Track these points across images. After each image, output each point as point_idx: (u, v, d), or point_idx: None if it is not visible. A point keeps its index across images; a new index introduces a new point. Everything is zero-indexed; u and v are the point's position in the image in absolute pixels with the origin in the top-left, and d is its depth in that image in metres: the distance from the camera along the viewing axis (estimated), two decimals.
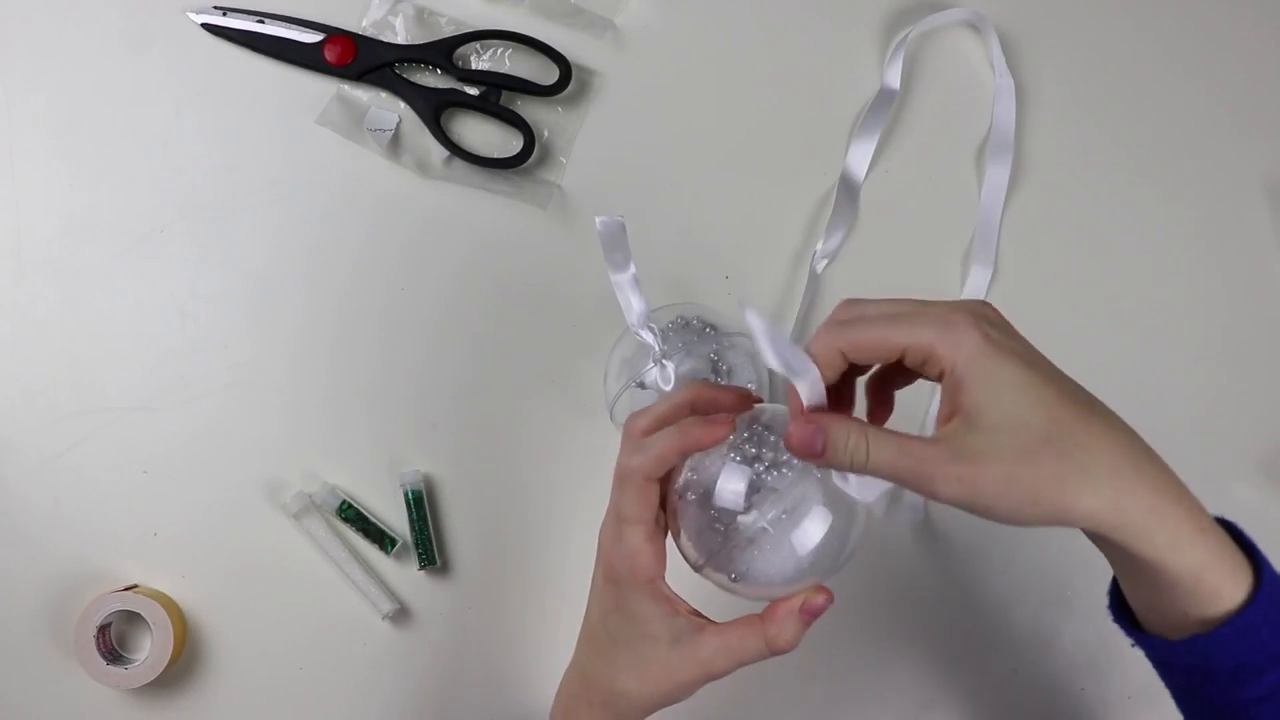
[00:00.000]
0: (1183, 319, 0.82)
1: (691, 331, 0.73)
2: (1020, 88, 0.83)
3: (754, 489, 0.57)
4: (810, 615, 0.58)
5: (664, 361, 0.70)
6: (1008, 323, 0.53)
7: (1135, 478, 0.50)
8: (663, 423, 0.59)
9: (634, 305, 0.70)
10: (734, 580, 0.59)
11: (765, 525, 0.57)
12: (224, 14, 0.82)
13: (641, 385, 0.72)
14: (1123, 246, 0.83)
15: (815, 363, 0.53)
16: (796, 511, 0.57)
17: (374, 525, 0.79)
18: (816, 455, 0.52)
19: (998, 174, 0.82)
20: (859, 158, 0.82)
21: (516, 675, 0.79)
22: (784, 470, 0.57)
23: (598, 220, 0.68)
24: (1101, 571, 0.80)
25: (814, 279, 0.81)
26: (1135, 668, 0.80)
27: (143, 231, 0.81)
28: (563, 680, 0.66)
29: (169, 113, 0.82)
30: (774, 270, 0.82)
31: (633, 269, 0.69)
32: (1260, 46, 0.84)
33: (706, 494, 0.58)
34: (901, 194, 0.83)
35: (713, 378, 0.73)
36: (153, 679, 0.76)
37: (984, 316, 0.52)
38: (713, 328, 0.74)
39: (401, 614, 0.79)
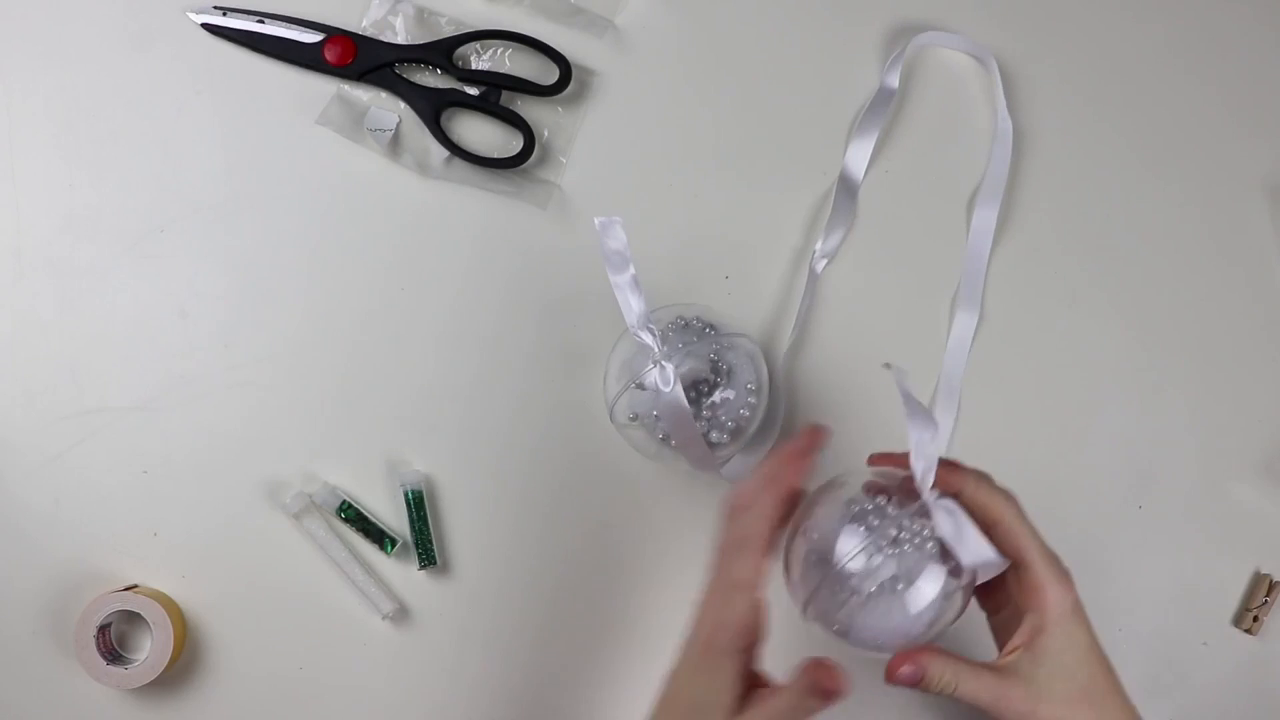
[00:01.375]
0: (1183, 319, 0.82)
1: (691, 331, 0.73)
2: (1019, 89, 0.83)
3: (871, 552, 0.63)
4: (826, 696, 0.61)
5: (663, 363, 0.70)
6: None
7: None
8: (758, 492, 0.65)
9: (633, 306, 0.70)
10: (838, 632, 0.65)
11: (878, 588, 0.63)
12: (224, 14, 0.82)
13: (641, 387, 0.72)
14: (1123, 245, 0.83)
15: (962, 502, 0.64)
16: (909, 577, 0.63)
17: (374, 525, 0.79)
18: (914, 686, 0.64)
19: (999, 161, 0.82)
20: (858, 157, 0.82)
21: (516, 676, 0.79)
22: (902, 537, 0.63)
23: (597, 221, 0.68)
24: (1102, 571, 0.80)
25: (813, 278, 0.81)
26: (1135, 668, 0.80)
27: (143, 231, 0.81)
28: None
29: (169, 113, 0.82)
30: (774, 270, 0.82)
31: (632, 270, 0.69)
32: (1260, 47, 0.84)
33: (825, 553, 0.64)
34: (901, 193, 0.83)
35: (712, 378, 0.73)
36: (153, 679, 0.76)
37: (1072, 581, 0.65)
38: (713, 328, 0.74)
39: (401, 614, 0.79)
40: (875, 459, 0.69)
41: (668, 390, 0.70)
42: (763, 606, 0.62)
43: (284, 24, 0.82)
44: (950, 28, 0.84)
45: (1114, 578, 0.80)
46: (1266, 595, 0.80)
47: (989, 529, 0.64)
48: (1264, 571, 0.80)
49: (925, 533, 0.63)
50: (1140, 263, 0.83)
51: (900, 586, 0.63)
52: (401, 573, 0.80)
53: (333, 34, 0.82)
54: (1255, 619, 0.80)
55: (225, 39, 0.82)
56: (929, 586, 0.63)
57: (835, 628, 0.65)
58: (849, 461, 0.72)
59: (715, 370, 0.73)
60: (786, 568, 0.67)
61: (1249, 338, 0.82)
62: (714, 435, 0.73)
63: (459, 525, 0.80)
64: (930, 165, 0.83)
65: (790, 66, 0.83)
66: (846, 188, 0.82)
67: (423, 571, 0.79)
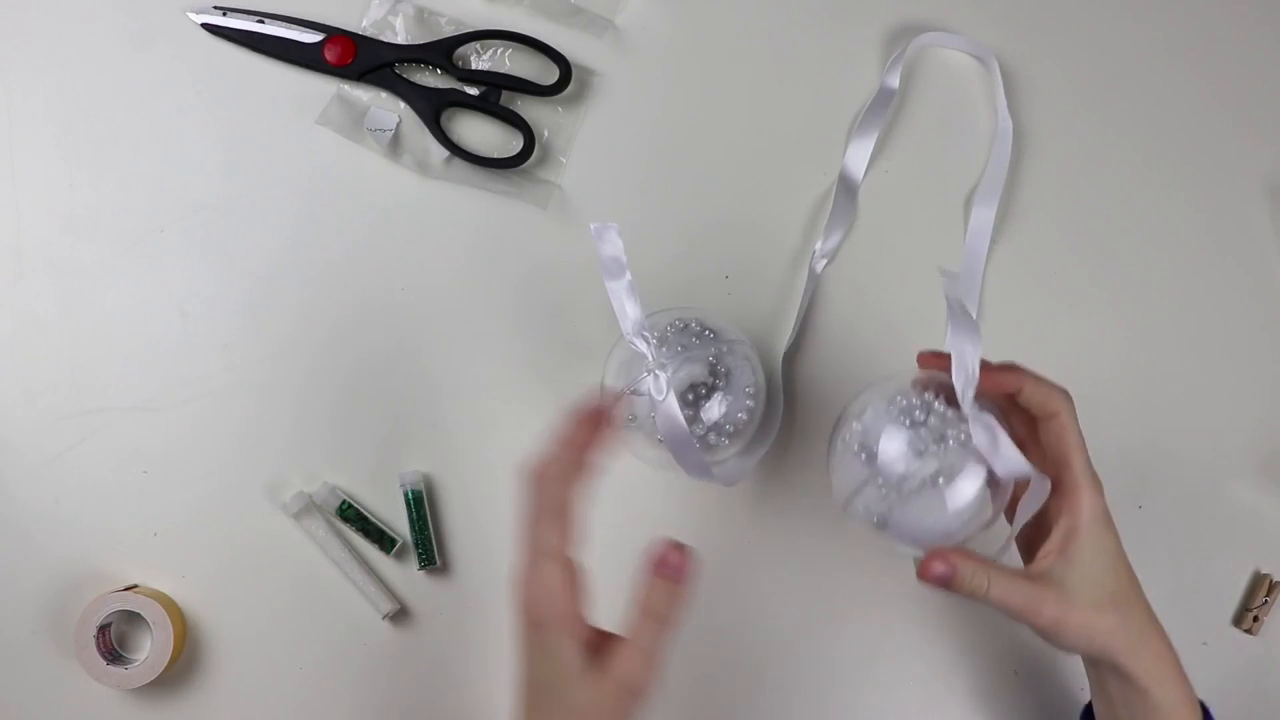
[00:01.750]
0: (1183, 319, 0.82)
1: (690, 335, 0.73)
2: (1020, 89, 0.83)
3: (915, 450, 0.64)
4: (670, 572, 0.62)
5: (657, 372, 0.70)
6: None
7: (1157, 639, 0.66)
8: (554, 457, 0.63)
9: (629, 312, 0.69)
10: (877, 524, 0.66)
11: (919, 484, 0.64)
12: (224, 14, 0.82)
13: (636, 393, 0.72)
14: (1123, 245, 0.83)
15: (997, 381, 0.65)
16: (950, 475, 0.64)
17: (374, 525, 0.79)
18: (946, 586, 0.64)
19: (999, 159, 0.82)
20: (858, 157, 0.82)
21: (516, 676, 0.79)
22: (947, 433, 0.64)
23: (592, 227, 0.67)
24: None
25: (813, 278, 0.81)
26: None
27: (143, 231, 0.81)
28: None
29: (169, 113, 0.82)
30: (774, 270, 0.82)
31: (628, 276, 0.69)
32: (1260, 47, 0.84)
33: (869, 447, 0.65)
34: (901, 193, 0.83)
35: (711, 381, 0.73)
36: (153, 679, 0.76)
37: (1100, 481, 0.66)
38: (712, 332, 0.74)
39: (401, 614, 0.79)
40: (924, 358, 0.68)
41: (661, 399, 0.70)
42: (575, 570, 0.60)
43: (284, 24, 0.82)
44: (951, 28, 0.84)
45: None
46: (1266, 595, 0.80)
47: (1046, 421, 0.65)
48: (1264, 571, 0.80)
49: (967, 434, 0.64)
50: (1140, 262, 0.83)
51: (941, 482, 0.64)
52: (401, 573, 0.80)
53: (333, 34, 0.82)
54: (1255, 619, 0.80)
55: (225, 39, 0.82)
56: (969, 485, 0.64)
57: (875, 520, 0.66)
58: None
59: (714, 373, 0.73)
60: (830, 457, 0.68)
61: (1249, 338, 0.82)
62: (712, 438, 0.73)
63: (459, 525, 0.80)
64: (930, 165, 0.83)
65: (790, 66, 0.83)
66: (846, 187, 0.82)
67: (423, 571, 0.79)
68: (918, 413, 0.65)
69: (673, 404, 0.70)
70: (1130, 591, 0.66)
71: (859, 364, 0.81)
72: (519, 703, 0.62)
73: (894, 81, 0.82)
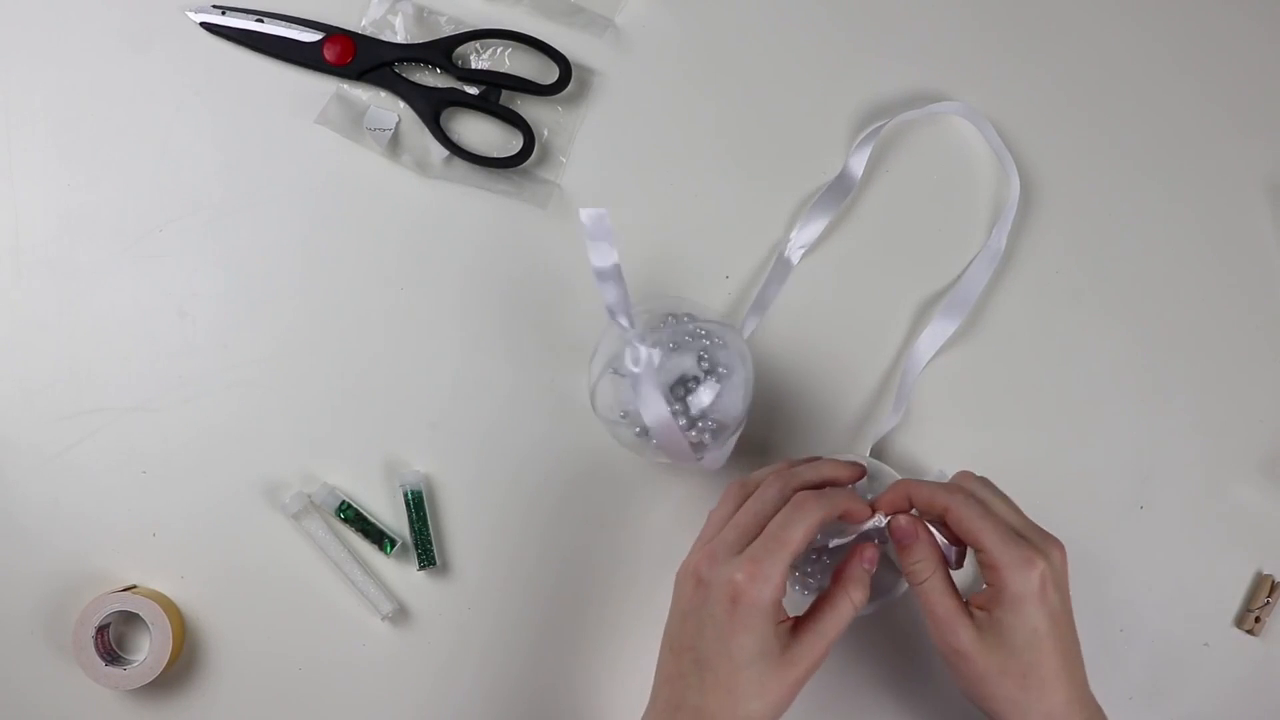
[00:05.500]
0: (1184, 319, 0.82)
1: (682, 329, 0.73)
2: (1021, 89, 0.83)
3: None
4: (871, 564, 0.69)
5: (635, 342, 0.70)
6: (1064, 571, 0.67)
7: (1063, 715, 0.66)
8: (815, 483, 0.70)
9: (613, 293, 0.69)
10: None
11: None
12: (223, 13, 0.82)
13: (618, 372, 0.72)
14: (1124, 245, 0.82)
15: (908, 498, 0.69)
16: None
17: (373, 525, 0.79)
18: (904, 541, 0.68)
19: (977, 272, 0.82)
20: (859, 157, 0.81)
21: (516, 676, 0.79)
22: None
23: (582, 211, 0.67)
24: (1104, 572, 0.80)
25: (783, 264, 0.80)
26: (1136, 669, 0.80)
27: (142, 231, 0.81)
28: None
29: (168, 112, 0.82)
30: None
31: (615, 258, 0.68)
32: (1260, 47, 0.84)
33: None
34: (902, 193, 0.82)
35: (702, 375, 0.72)
36: (151, 680, 0.76)
37: (1051, 563, 0.66)
38: (703, 325, 0.73)
39: (401, 614, 0.79)
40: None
41: (638, 370, 0.70)
42: (787, 577, 0.65)
43: (283, 23, 0.82)
44: (951, 28, 0.83)
45: (1115, 579, 0.80)
46: (1268, 596, 0.79)
47: (946, 519, 0.67)
48: (1266, 572, 0.80)
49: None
50: (1141, 263, 0.82)
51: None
52: (401, 573, 0.80)
53: (332, 33, 0.82)
54: (1257, 620, 0.80)
55: (224, 38, 0.82)
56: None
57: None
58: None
59: (703, 366, 0.73)
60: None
61: (1250, 338, 0.82)
62: (701, 426, 0.72)
63: (459, 525, 0.80)
64: (932, 167, 0.83)
65: (791, 66, 0.83)
66: (844, 186, 0.81)
67: (422, 572, 0.79)
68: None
69: (651, 377, 0.70)
70: (1049, 670, 0.65)
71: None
72: (695, 693, 0.65)
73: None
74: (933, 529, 0.70)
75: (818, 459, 0.73)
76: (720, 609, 0.64)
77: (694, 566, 0.66)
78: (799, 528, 0.65)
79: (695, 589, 0.66)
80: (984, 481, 0.70)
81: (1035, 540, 0.66)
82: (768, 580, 0.64)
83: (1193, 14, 0.84)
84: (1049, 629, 0.65)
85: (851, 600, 0.67)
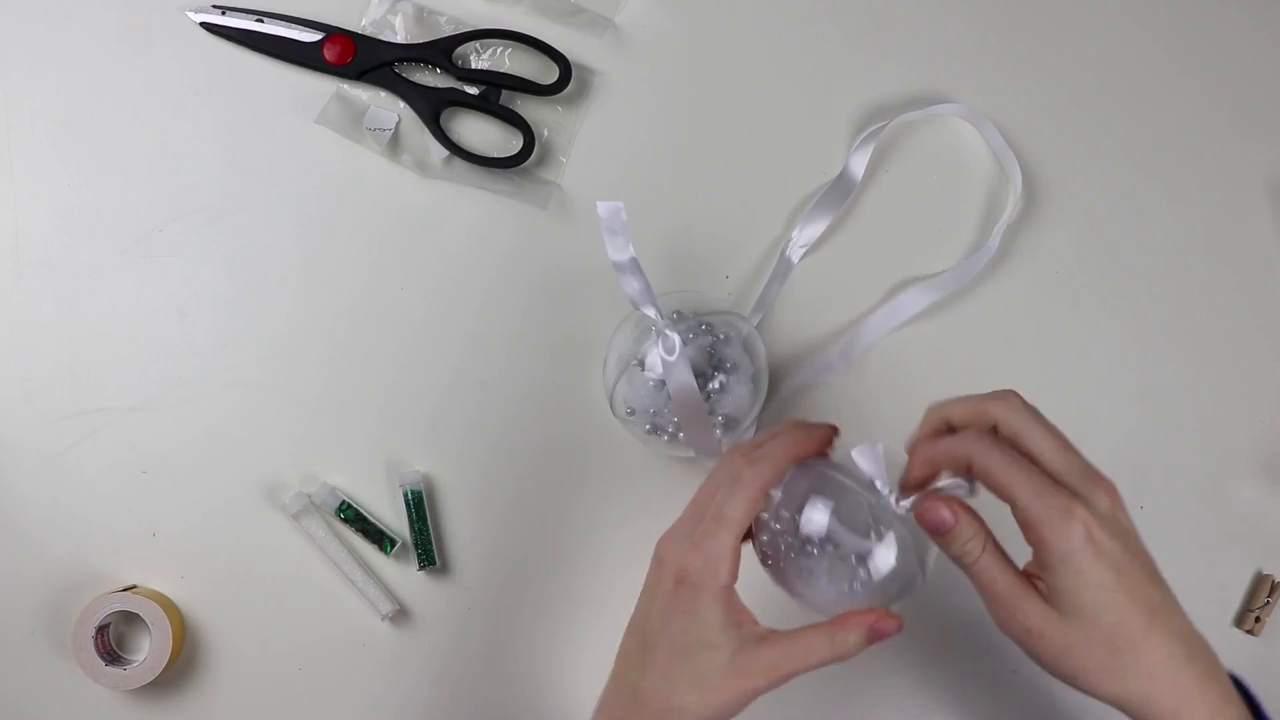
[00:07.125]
0: (1183, 319, 0.82)
1: (686, 323, 0.73)
2: (1021, 89, 0.83)
3: (836, 520, 0.62)
4: (877, 637, 0.61)
5: (666, 331, 0.69)
6: (1119, 513, 0.59)
7: (1171, 681, 0.58)
8: (775, 443, 0.63)
9: (635, 284, 0.69)
10: (800, 591, 0.64)
11: (842, 554, 0.62)
12: (223, 13, 0.82)
13: (641, 365, 0.71)
14: (1124, 245, 0.83)
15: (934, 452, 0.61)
16: (869, 547, 0.62)
17: (373, 526, 0.79)
18: (942, 532, 0.59)
19: (968, 266, 0.81)
20: (860, 157, 0.81)
21: (516, 676, 0.79)
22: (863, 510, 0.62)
23: (599, 205, 0.67)
24: None
25: (784, 263, 0.80)
26: None
27: (142, 231, 0.81)
28: (602, 701, 0.65)
29: (168, 112, 0.82)
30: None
31: (632, 251, 0.68)
32: (1260, 48, 0.84)
33: (793, 517, 0.63)
34: (902, 193, 0.82)
35: (711, 371, 0.73)
36: (151, 680, 0.76)
37: (1096, 509, 0.57)
38: (709, 320, 0.73)
39: (401, 614, 0.79)
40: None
41: (671, 358, 0.69)
42: (738, 548, 0.62)
43: (283, 23, 0.82)
44: (950, 29, 0.83)
45: None
46: (1268, 596, 0.80)
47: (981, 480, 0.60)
48: (1266, 572, 0.80)
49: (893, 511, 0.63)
50: (1141, 262, 0.82)
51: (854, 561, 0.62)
52: (401, 573, 0.80)
53: (332, 33, 0.82)
54: (1257, 620, 0.80)
55: (224, 38, 0.82)
56: (890, 549, 0.62)
57: (798, 580, 0.64)
58: None
59: (713, 361, 0.73)
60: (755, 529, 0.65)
61: (1250, 338, 0.82)
62: (714, 421, 0.72)
63: (459, 525, 0.80)
64: (932, 168, 0.83)
65: (792, 66, 0.83)
66: (845, 186, 0.81)
67: (422, 572, 0.79)
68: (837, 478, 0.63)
69: (684, 364, 0.69)
70: (1137, 628, 0.57)
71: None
72: (636, 672, 0.62)
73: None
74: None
75: (787, 425, 0.65)
76: (665, 589, 0.61)
77: (658, 544, 0.64)
78: (737, 503, 0.61)
79: (654, 567, 0.63)
80: (1023, 411, 0.60)
81: (1076, 483, 0.58)
82: (708, 561, 0.60)
83: (1193, 15, 0.84)
84: (1116, 582, 0.57)
85: (832, 644, 0.61)
